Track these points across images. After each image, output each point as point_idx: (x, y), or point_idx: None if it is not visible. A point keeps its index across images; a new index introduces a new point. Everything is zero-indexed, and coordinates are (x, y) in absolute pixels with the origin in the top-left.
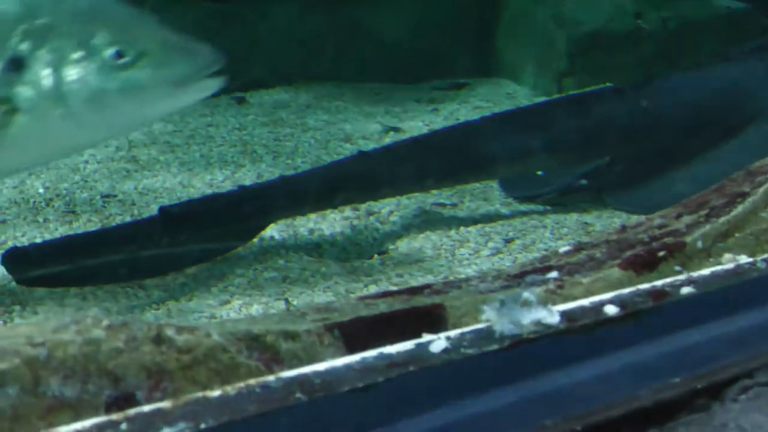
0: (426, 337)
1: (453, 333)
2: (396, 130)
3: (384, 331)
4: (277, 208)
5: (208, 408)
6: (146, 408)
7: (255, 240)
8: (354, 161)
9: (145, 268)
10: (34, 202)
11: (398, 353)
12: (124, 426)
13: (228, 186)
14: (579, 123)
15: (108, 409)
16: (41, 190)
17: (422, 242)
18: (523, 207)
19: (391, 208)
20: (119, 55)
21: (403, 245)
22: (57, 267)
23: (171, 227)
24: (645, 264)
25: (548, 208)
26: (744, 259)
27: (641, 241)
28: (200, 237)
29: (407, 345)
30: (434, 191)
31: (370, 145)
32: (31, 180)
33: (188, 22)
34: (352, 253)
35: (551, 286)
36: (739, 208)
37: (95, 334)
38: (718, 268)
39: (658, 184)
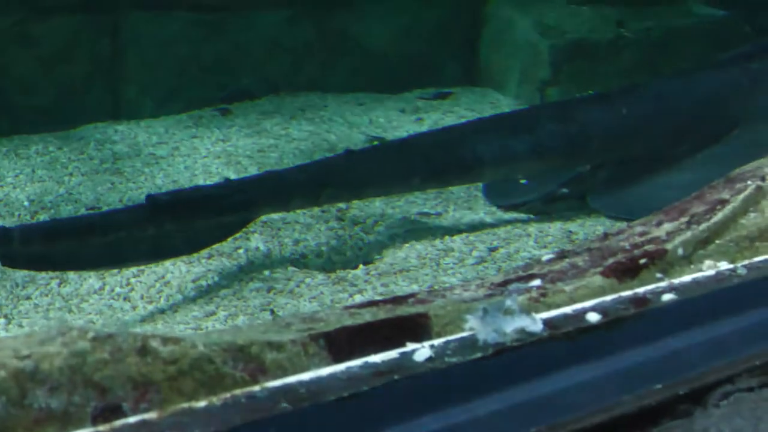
0: (410, 346)
1: (437, 342)
2: (380, 140)
3: (369, 340)
4: (263, 202)
5: (194, 419)
6: (132, 419)
7: (236, 244)
8: (341, 159)
9: (130, 255)
10: (19, 215)
11: (383, 362)
12: None
13: None
14: (563, 129)
15: (94, 421)
16: (26, 203)
17: (407, 252)
18: (507, 216)
19: (375, 218)
20: None
21: (388, 255)
22: (43, 250)
23: (158, 215)
24: (627, 271)
25: (532, 216)
26: (724, 265)
27: (623, 249)
28: (187, 227)
29: (392, 354)
30: (418, 199)
31: None
32: (15, 193)
33: (173, 32)
34: (338, 263)
35: (534, 294)
36: (720, 215)
37: (81, 345)
38: (699, 274)
39: (642, 190)
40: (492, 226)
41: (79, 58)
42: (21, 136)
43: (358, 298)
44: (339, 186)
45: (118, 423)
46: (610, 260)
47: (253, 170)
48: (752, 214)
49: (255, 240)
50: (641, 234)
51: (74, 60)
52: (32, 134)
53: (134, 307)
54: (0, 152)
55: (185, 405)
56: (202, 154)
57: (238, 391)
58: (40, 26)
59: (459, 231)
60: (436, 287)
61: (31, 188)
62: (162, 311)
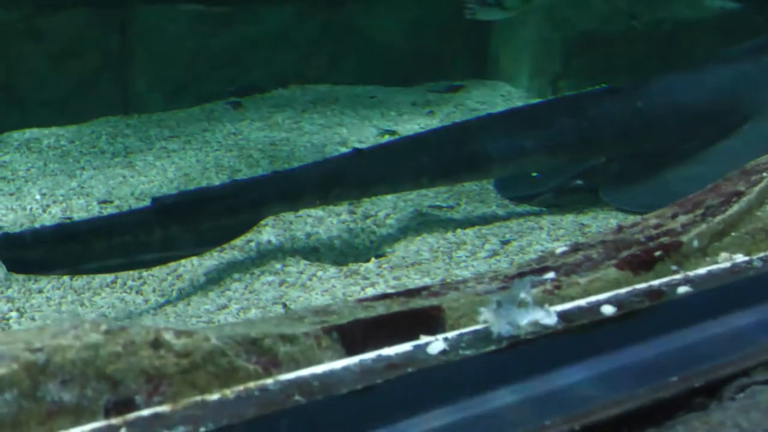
0: (424, 339)
1: (451, 334)
2: (392, 133)
3: (382, 333)
4: (270, 202)
5: (207, 412)
6: (145, 412)
7: (248, 237)
8: (349, 158)
9: (137, 258)
10: (31, 208)
11: (396, 355)
12: (123, 430)
13: None
14: (575, 123)
15: (107, 414)
16: (38, 197)
17: (419, 245)
18: (520, 209)
19: (387, 211)
20: None
21: (400, 248)
22: (48, 254)
23: (164, 218)
24: (642, 264)
25: (544, 209)
26: (740, 257)
27: (638, 241)
28: (193, 228)
29: (405, 347)
30: (430, 192)
31: None
32: (27, 186)
33: (181, 26)
34: (350, 256)
35: (548, 286)
36: (735, 207)
37: (94, 338)
38: (715, 267)
39: (654, 184)
40: (504, 219)
41: (88, 53)
42: (32, 129)
43: (370, 292)
44: (347, 185)
45: (131, 416)
46: (625, 253)
47: (265, 164)
48: None
49: (267, 233)
50: (656, 226)
51: (83, 54)
52: (44, 128)
53: (146, 301)
54: (12, 146)
55: (198, 398)
56: (214, 147)
57: (251, 384)
58: (48, 21)
59: (471, 224)
60: (449, 280)
61: (43, 182)
62: (174, 305)
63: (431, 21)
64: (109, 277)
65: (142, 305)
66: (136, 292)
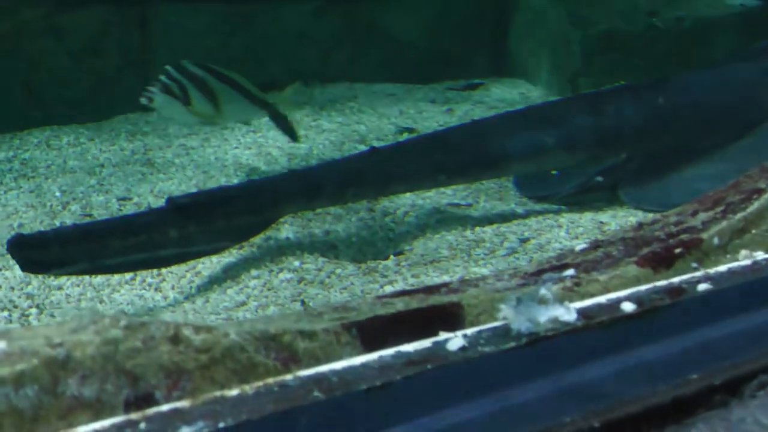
0: (443, 336)
1: (470, 331)
2: (410, 131)
3: (401, 329)
4: (286, 202)
5: (226, 407)
6: (165, 407)
7: (266, 234)
8: (366, 157)
9: (153, 258)
10: (51, 205)
11: (415, 351)
12: (143, 425)
13: None
14: (594, 121)
15: (127, 409)
16: (58, 194)
17: (438, 242)
18: (538, 207)
19: (406, 209)
20: None
21: (418, 245)
22: (62, 255)
23: (179, 218)
24: (662, 261)
25: (563, 207)
26: (761, 255)
27: (658, 239)
28: (209, 228)
29: (424, 343)
30: (448, 190)
31: None
32: (47, 184)
33: (201, 24)
34: (368, 253)
35: (568, 283)
36: (755, 205)
37: (113, 334)
38: (735, 264)
39: (673, 182)
40: (523, 216)
41: (109, 50)
42: (53, 127)
43: (388, 289)
44: (364, 185)
45: (151, 411)
46: (645, 250)
47: (283, 161)
48: None
49: (285, 230)
50: (676, 224)
51: (104, 52)
52: (64, 125)
53: (165, 298)
54: (32, 143)
55: (217, 393)
56: (233, 145)
57: (270, 380)
58: (69, 19)
59: (490, 222)
60: (467, 278)
61: (63, 179)
62: (193, 302)
63: (451, 19)
64: (128, 274)
65: (161, 302)
66: (155, 289)
